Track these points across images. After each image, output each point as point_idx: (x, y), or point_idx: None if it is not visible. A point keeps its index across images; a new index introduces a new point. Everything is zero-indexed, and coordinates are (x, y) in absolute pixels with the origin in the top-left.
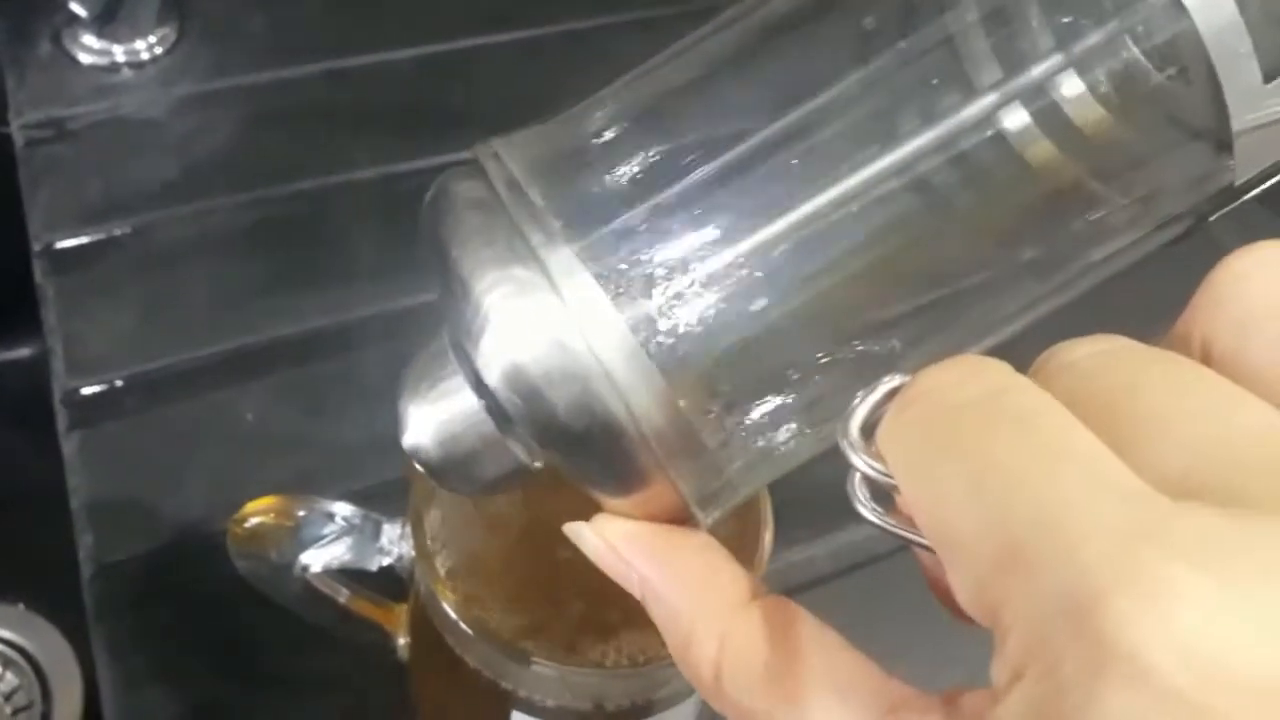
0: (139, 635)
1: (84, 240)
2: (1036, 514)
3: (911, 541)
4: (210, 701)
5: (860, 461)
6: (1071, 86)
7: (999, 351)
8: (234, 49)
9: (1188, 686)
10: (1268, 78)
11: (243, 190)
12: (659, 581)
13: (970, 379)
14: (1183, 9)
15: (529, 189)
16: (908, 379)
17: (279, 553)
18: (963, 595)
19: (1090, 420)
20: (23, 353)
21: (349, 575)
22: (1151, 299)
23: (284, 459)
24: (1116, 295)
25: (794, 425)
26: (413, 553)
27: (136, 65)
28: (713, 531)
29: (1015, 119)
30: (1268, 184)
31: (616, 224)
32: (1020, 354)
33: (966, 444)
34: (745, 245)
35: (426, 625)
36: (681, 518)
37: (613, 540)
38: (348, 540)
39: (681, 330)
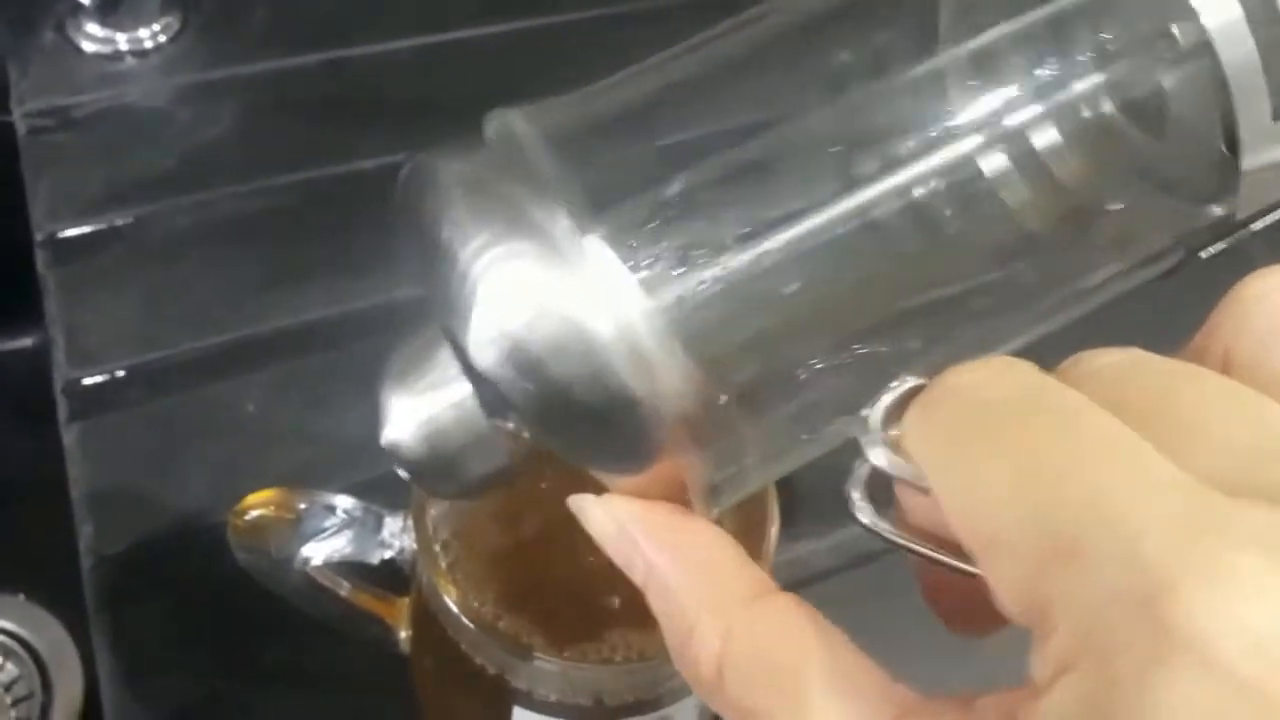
0: (139, 627)
1: (86, 230)
2: (1090, 506)
3: (914, 550)
4: (210, 694)
5: (885, 461)
6: (1047, 136)
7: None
8: (237, 38)
9: (1257, 675)
10: (1275, 115)
11: (245, 180)
12: (665, 567)
13: (1003, 377)
14: (1209, 48)
15: (533, 158)
16: (925, 380)
17: (279, 546)
18: (1004, 592)
19: (1126, 423)
20: (24, 342)
21: (350, 568)
22: (1167, 314)
23: (286, 450)
24: (1136, 309)
25: (803, 421)
26: (414, 546)
27: (140, 54)
28: (718, 524)
29: (994, 161)
30: (1264, 220)
31: (632, 202)
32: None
33: (1009, 439)
34: (763, 238)
35: (428, 619)
36: (686, 507)
37: (622, 519)
38: (349, 533)
39: (695, 313)
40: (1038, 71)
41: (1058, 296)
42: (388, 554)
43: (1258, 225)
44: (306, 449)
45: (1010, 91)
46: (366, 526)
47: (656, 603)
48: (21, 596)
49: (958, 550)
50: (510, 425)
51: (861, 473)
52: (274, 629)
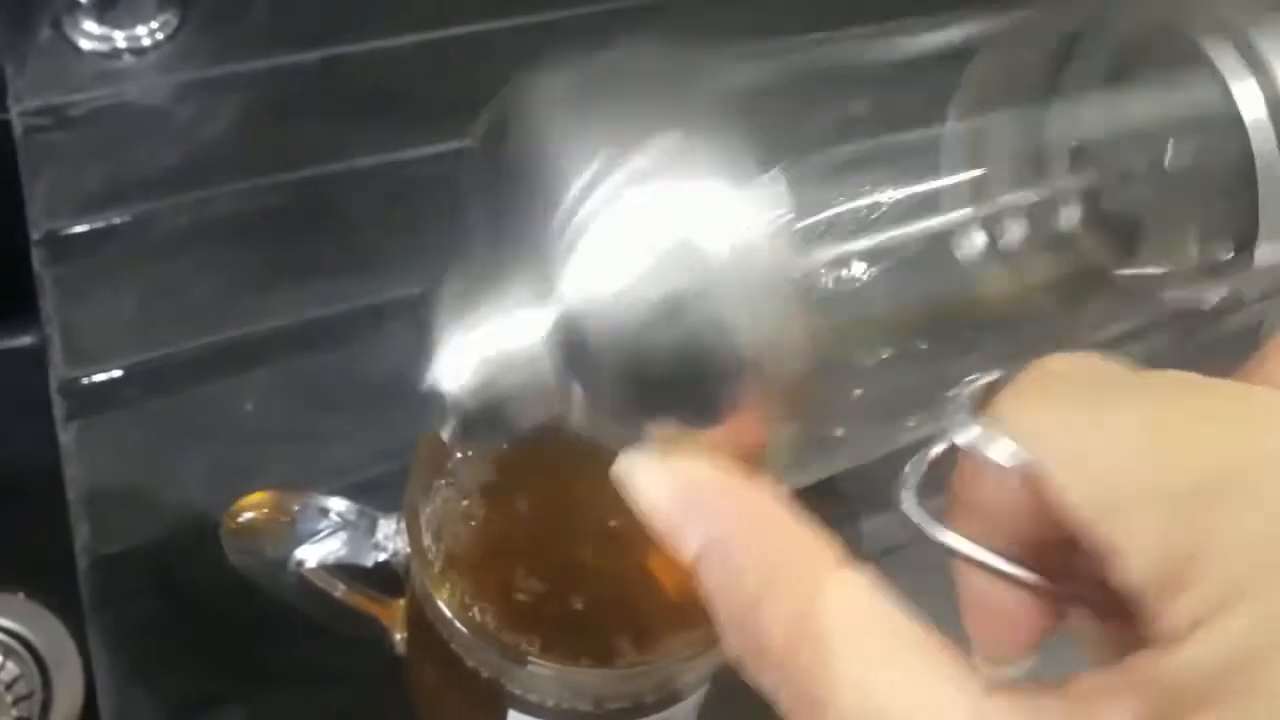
0: (136, 627)
1: (83, 228)
2: (1248, 444)
3: (972, 558)
4: (208, 695)
5: (994, 445)
6: (1013, 234)
7: None
8: (236, 35)
9: None
10: None
11: (243, 178)
12: (733, 531)
13: (1101, 360)
14: (1242, 128)
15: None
16: (1000, 373)
17: (273, 548)
18: (1136, 552)
19: None
20: (24, 340)
21: (345, 570)
22: None
23: (283, 450)
24: None
25: (885, 408)
26: (408, 549)
27: (137, 51)
28: None
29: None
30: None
31: (768, 156)
32: None
33: (1136, 397)
34: (890, 228)
35: (423, 622)
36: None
37: (687, 478)
38: (343, 535)
39: (817, 276)
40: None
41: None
42: (382, 557)
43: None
44: (304, 448)
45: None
46: (360, 529)
47: (713, 572)
48: (22, 595)
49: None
50: (566, 379)
51: (917, 472)
52: (272, 629)
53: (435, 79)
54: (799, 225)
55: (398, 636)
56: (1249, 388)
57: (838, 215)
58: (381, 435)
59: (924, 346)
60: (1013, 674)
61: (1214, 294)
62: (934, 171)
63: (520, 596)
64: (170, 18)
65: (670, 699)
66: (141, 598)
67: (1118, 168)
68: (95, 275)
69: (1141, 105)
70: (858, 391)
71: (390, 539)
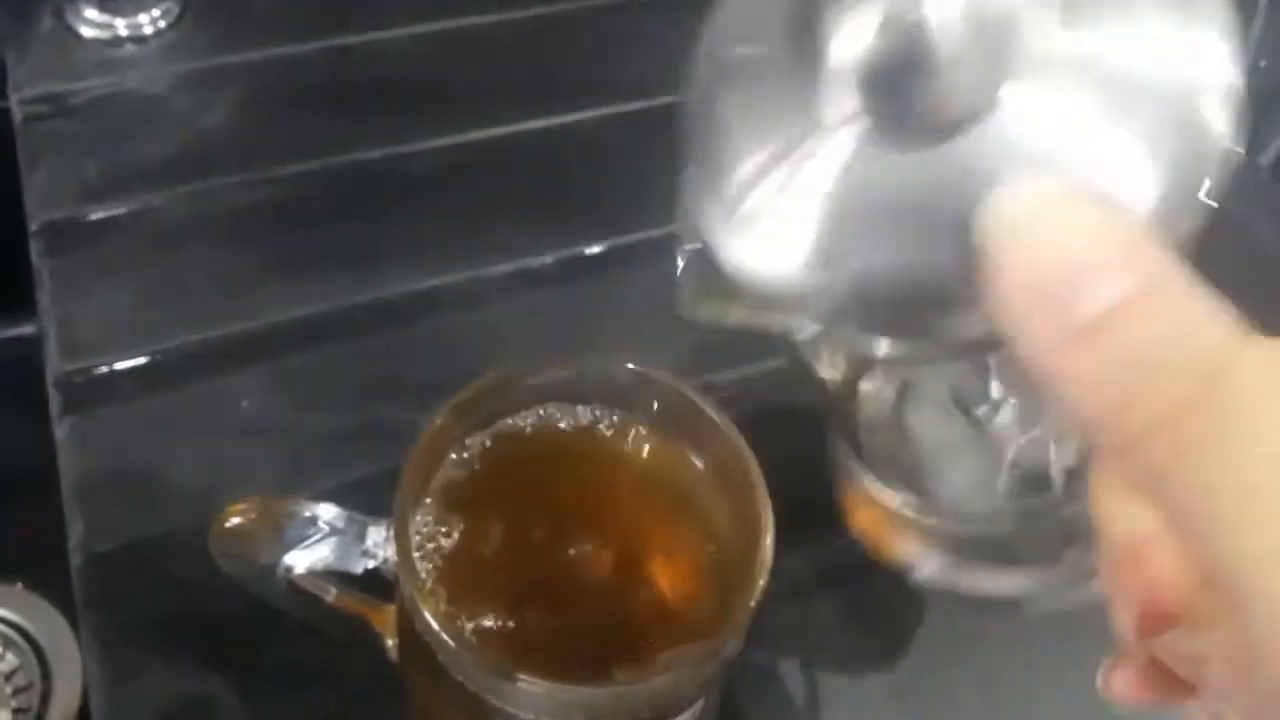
0: (129, 627)
1: (81, 220)
2: None
3: None
4: (200, 695)
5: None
6: None
7: None
8: (238, 24)
9: None
10: None
11: (244, 170)
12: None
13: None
14: None
15: None
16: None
17: (261, 554)
18: None
19: None
20: (25, 330)
21: (337, 574)
22: None
23: (279, 448)
24: None
25: None
26: (397, 558)
27: (139, 40)
28: (718, 536)
29: None
30: None
31: None
32: None
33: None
34: None
35: (413, 633)
36: None
37: (1113, 218)
38: (332, 542)
39: None
40: None
41: None
42: (371, 564)
43: None
44: (300, 446)
45: None
46: (349, 536)
47: (1135, 323)
48: (20, 585)
49: None
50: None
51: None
52: (266, 629)
53: (441, 71)
54: None
55: (390, 642)
56: None
57: None
58: (381, 434)
59: None
60: None
61: None
62: None
63: (510, 612)
64: (172, 5)
65: (665, 714)
66: (134, 597)
67: None
68: (93, 267)
69: None
70: None
71: (380, 546)
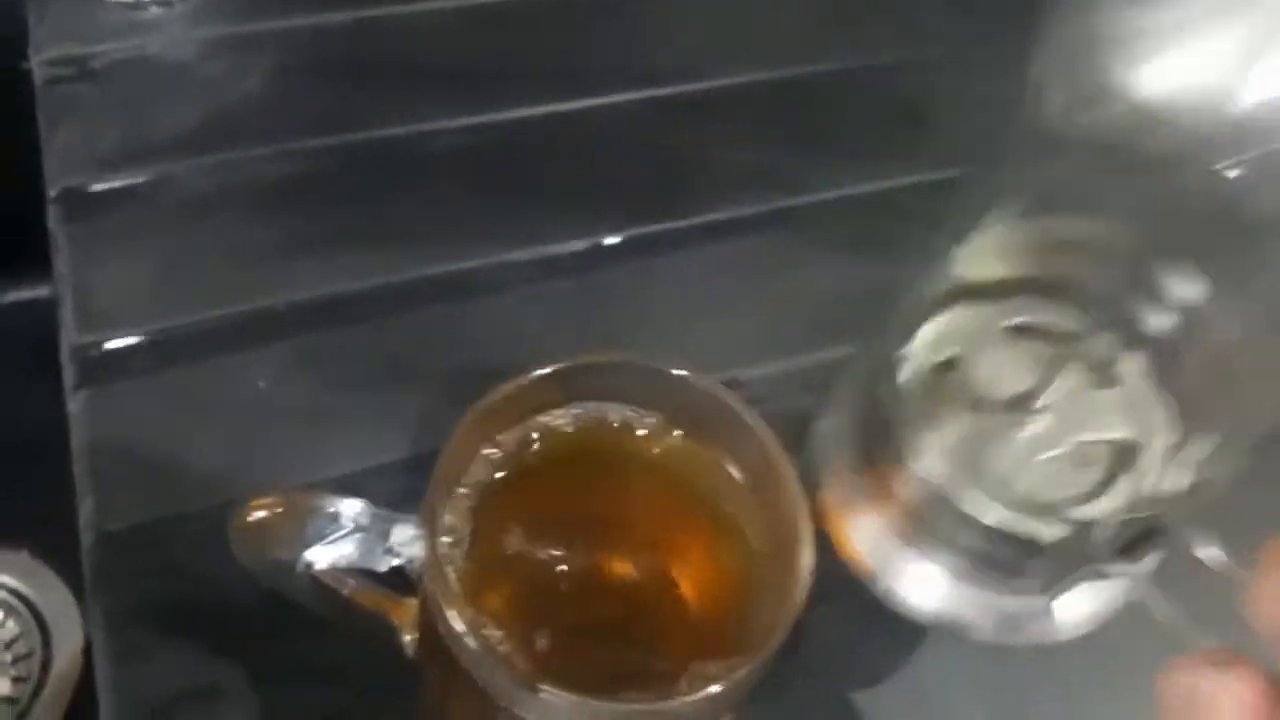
0: (137, 609)
1: (101, 187)
2: None
3: None
4: (206, 683)
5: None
6: None
7: None
8: None
9: None
10: None
11: (269, 142)
12: None
13: None
14: None
15: None
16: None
17: (283, 549)
18: None
19: None
20: (41, 292)
21: (358, 571)
22: None
23: (296, 431)
24: None
25: None
26: (424, 557)
27: (165, 3)
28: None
29: None
30: None
31: None
32: None
33: None
34: None
35: (434, 634)
36: None
37: None
38: (356, 539)
39: None
40: None
41: None
42: (395, 562)
43: None
44: (316, 430)
45: None
46: (373, 533)
47: None
48: (25, 552)
49: None
50: None
51: None
52: (277, 619)
53: (475, 46)
54: None
55: (407, 638)
56: None
57: None
58: (400, 419)
59: None
60: None
61: None
62: None
63: (536, 618)
64: None
65: None
66: (144, 579)
67: None
68: (112, 236)
69: None
70: None
71: (405, 545)
